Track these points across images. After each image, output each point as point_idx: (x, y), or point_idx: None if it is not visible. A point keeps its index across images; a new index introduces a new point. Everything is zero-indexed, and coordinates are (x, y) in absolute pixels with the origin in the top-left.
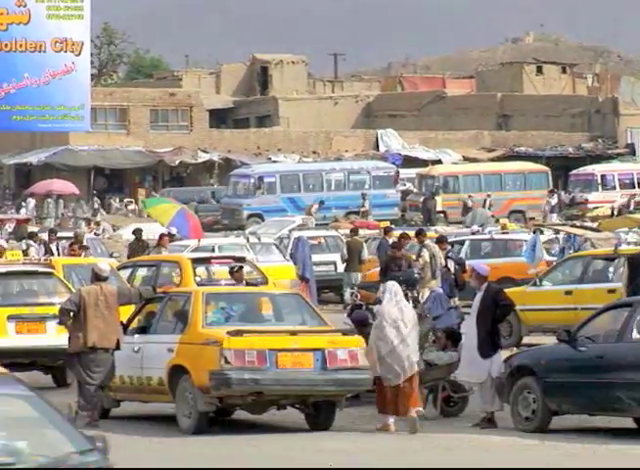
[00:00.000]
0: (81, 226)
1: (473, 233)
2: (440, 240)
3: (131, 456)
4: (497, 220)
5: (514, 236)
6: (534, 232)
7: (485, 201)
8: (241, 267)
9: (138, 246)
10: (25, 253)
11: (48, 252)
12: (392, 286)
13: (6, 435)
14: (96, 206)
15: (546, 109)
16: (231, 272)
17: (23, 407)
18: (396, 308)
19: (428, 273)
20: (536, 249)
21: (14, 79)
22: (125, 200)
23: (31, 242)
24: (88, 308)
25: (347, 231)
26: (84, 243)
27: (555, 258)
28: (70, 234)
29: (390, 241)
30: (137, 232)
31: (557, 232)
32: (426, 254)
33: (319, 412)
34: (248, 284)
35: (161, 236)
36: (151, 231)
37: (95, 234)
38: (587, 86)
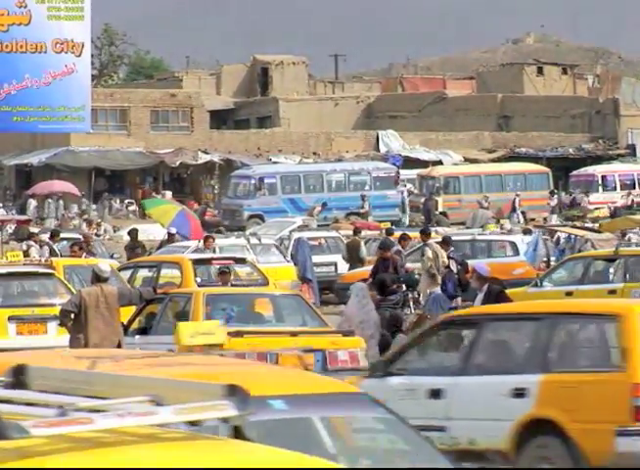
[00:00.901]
0: (82, 227)
1: (507, 233)
2: (444, 241)
3: None
4: (498, 221)
5: (497, 237)
6: (524, 233)
7: (514, 201)
8: (228, 269)
9: (136, 246)
10: (26, 253)
11: (53, 253)
12: (361, 289)
13: (371, 463)
14: (84, 207)
15: (547, 110)
16: (219, 273)
17: (385, 433)
18: (362, 311)
19: (434, 272)
20: (538, 248)
21: (14, 80)
22: (126, 201)
23: (32, 242)
24: (89, 310)
25: (351, 232)
26: (92, 245)
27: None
28: (71, 235)
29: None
30: (132, 233)
31: (551, 233)
32: (429, 252)
33: None
34: (233, 286)
35: (207, 238)
36: (151, 232)
37: (96, 235)
38: (588, 87)
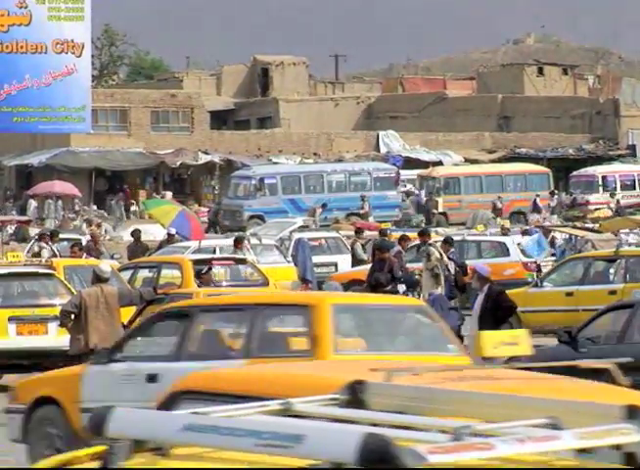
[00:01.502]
0: (82, 227)
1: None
2: (446, 241)
3: None
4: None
5: (487, 237)
6: (523, 234)
7: (535, 201)
8: (209, 269)
9: (137, 247)
10: (38, 254)
11: (52, 253)
12: (335, 288)
13: None
14: (77, 207)
15: (547, 110)
16: (198, 275)
17: None
18: None
19: (439, 272)
20: (543, 244)
21: (15, 81)
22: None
23: (43, 244)
24: (89, 310)
25: (351, 232)
26: (99, 245)
27: (531, 259)
28: (72, 235)
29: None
30: (135, 234)
31: (545, 234)
32: (436, 252)
33: None
34: (216, 286)
35: (238, 239)
36: (152, 232)
37: None
38: (588, 88)
